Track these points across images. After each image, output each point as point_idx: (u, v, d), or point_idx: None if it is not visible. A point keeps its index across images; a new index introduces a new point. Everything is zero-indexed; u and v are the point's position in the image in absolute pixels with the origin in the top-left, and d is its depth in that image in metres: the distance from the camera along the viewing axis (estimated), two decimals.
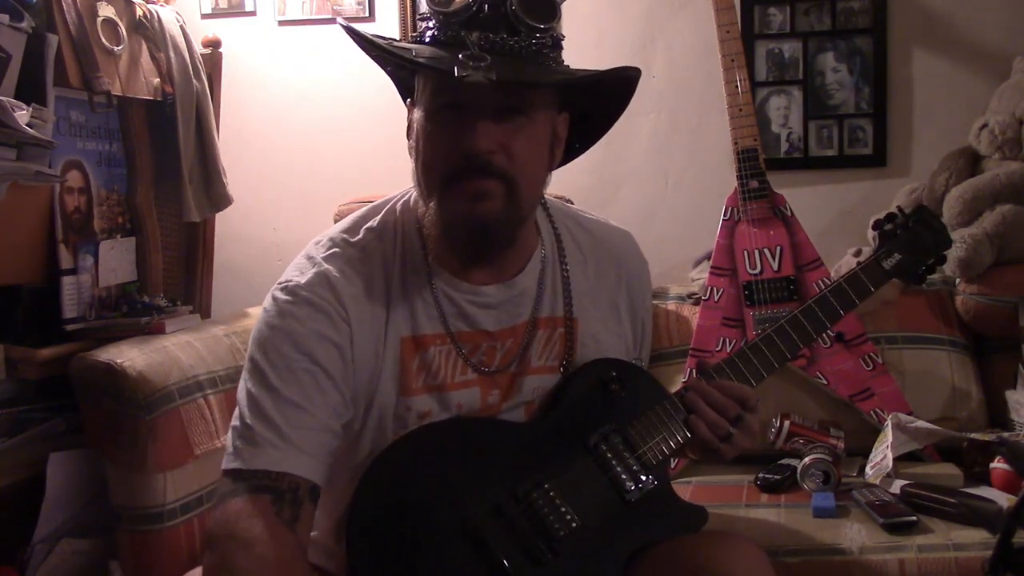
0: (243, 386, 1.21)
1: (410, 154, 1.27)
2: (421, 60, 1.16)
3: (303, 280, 1.24)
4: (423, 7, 1.21)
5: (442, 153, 1.20)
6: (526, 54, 1.18)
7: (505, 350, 1.32)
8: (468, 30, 1.16)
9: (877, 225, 1.61)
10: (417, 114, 1.24)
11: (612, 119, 1.35)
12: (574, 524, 1.23)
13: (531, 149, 1.22)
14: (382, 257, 1.29)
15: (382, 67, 1.31)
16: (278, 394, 1.18)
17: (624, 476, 1.28)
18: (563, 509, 1.23)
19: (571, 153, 1.37)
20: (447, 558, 1.19)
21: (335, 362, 1.21)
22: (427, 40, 1.20)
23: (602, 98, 1.31)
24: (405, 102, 1.33)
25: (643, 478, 1.29)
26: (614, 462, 1.28)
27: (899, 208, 1.63)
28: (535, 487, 1.23)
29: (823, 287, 1.59)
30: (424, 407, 1.27)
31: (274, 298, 1.25)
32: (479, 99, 1.17)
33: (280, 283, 1.27)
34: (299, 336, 1.20)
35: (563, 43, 1.25)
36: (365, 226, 1.31)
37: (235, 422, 1.20)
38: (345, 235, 1.30)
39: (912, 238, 1.59)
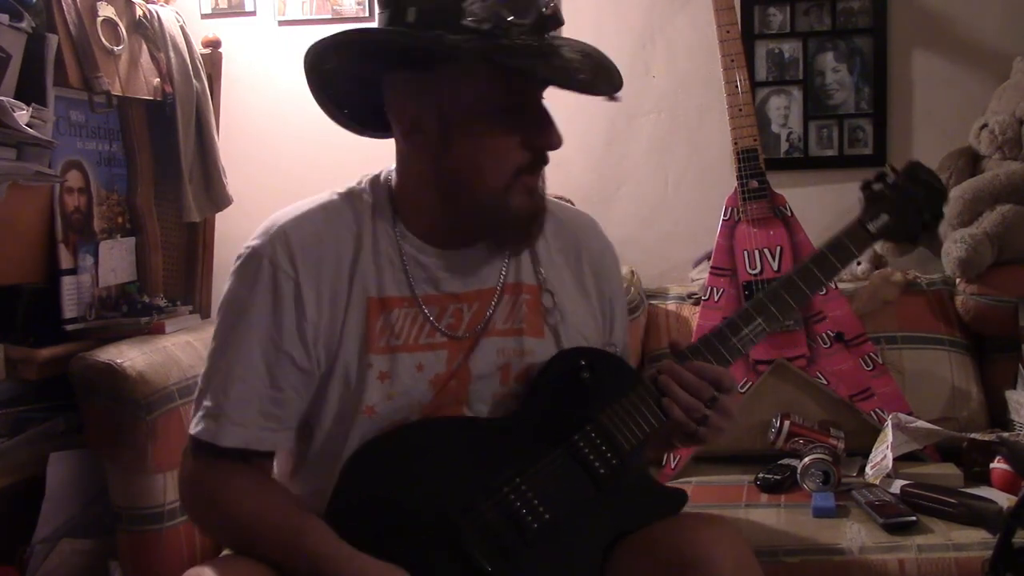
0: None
1: (431, 149, 1.26)
2: (580, 78, 1.20)
3: (255, 243, 1.29)
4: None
5: (515, 149, 1.24)
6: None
7: (472, 313, 1.33)
8: (537, 33, 1.19)
9: (865, 186, 1.48)
10: (457, 111, 1.23)
11: None
12: (546, 516, 1.24)
13: None
14: (352, 214, 1.32)
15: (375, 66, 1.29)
16: (219, 362, 1.27)
17: (597, 464, 1.28)
18: (535, 502, 1.24)
19: None
20: (424, 555, 1.21)
21: (279, 324, 1.25)
22: (469, 28, 1.17)
23: None
24: (334, 114, 1.36)
25: (617, 465, 1.28)
26: (587, 451, 1.28)
27: (891, 166, 1.50)
28: (507, 482, 1.25)
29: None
30: (384, 366, 1.28)
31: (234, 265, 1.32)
32: (542, 98, 1.25)
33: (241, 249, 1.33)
34: (243, 303, 1.26)
35: None
36: (329, 194, 1.37)
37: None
38: (312, 198, 1.36)
39: (901, 197, 1.46)
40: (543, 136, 1.23)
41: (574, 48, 1.24)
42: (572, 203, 2.39)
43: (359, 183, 1.37)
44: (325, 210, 1.33)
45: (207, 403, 1.26)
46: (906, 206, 1.46)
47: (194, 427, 1.27)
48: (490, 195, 1.25)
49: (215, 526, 1.30)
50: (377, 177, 1.37)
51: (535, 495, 1.24)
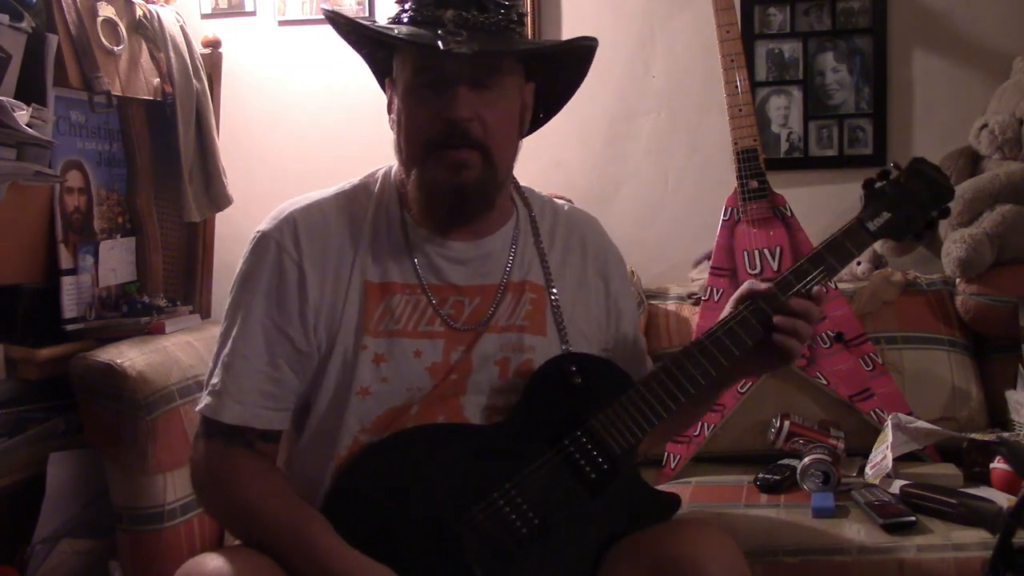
0: None
1: (392, 128, 1.36)
2: (403, 37, 1.26)
3: (265, 228, 1.34)
4: None
5: (424, 122, 1.28)
6: (495, 29, 1.27)
7: (473, 307, 1.35)
8: (442, 9, 1.25)
9: (867, 184, 1.46)
10: (398, 91, 1.33)
11: (573, 88, 1.43)
12: (536, 521, 1.25)
13: (503, 118, 1.31)
14: (356, 205, 1.38)
15: (357, 50, 1.39)
16: (225, 341, 1.30)
17: (588, 469, 1.29)
18: (525, 507, 1.25)
19: (535, 123, 1.44)
20: (417, 560, 1.22)
21: (281, 306, 1.30)
22: (405, 21, 1.29)
23: (564, 68, 1.39)
24: (382, 85, 1.41)
25: (607, 469, 1.29)
26: (577, 455, 1.29)
27: (895, 164, 1.47)
28: (498, 488, 1.26)
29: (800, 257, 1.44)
30: (380, 349, 1.31)
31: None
32: (456, 73, 1.26)
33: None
34: (249, 284, 1.31)
35: (524, 19, 1.35)
36: (342, 184, 1.42)
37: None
38: (322, 190, 1.41)
39: (903, 195, 1.43)
40: (447, 108, 1.25)
41: (460, 23, 1.25)
42: (572, 203, 2.40)
43: (373, 174, 1.42)
44: (335, 199, 1.38)
45: (213, 380, 1.29)
46: (907, 203, 1.44)
47: (200, 404, 1.30)
48: (411, 165, 1.31)
49: (220, 510, 1.32)
50: (391, 168, 1.42)
51: (525, 500, 1.25)
